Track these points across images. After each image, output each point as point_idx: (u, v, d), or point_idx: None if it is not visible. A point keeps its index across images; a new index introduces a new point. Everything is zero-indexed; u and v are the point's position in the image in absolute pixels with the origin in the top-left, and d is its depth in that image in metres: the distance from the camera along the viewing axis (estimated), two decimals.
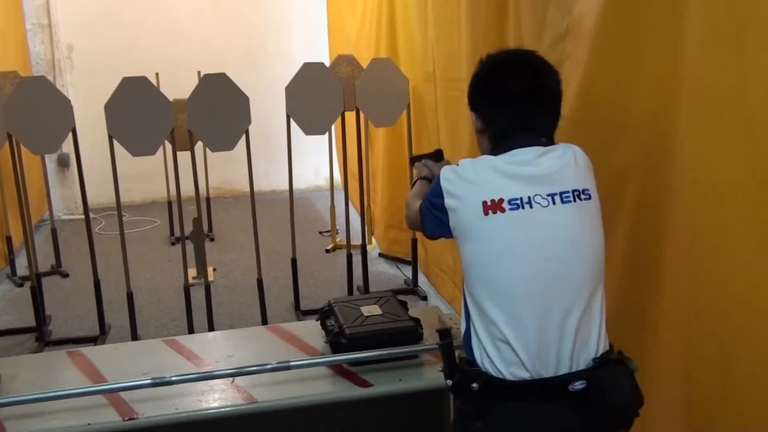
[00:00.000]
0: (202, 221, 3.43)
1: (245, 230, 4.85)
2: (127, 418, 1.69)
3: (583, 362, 1.38)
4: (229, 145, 3.22)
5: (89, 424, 1.67)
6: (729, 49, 1.36)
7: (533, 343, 1.36)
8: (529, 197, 1.38)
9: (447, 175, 1.46)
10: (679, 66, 1.54)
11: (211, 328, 3.35)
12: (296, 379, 1.84)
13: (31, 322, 3.47)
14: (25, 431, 1.66)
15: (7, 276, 4.33)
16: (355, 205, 4.72)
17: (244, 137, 3.23)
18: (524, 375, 1.37)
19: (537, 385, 1.36)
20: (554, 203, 1.38)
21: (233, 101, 3.16)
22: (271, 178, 6.06)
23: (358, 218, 4.12)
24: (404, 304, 2.08)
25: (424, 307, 3.54)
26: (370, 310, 2.02)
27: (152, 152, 3.14)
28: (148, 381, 1.73)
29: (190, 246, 3.46)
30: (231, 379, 1.84)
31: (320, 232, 5.12)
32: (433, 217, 1.49)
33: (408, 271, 4.04)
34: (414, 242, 3.93)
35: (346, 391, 1.82)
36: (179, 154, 3.32)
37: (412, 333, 1.94)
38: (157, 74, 4.26)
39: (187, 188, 3.30)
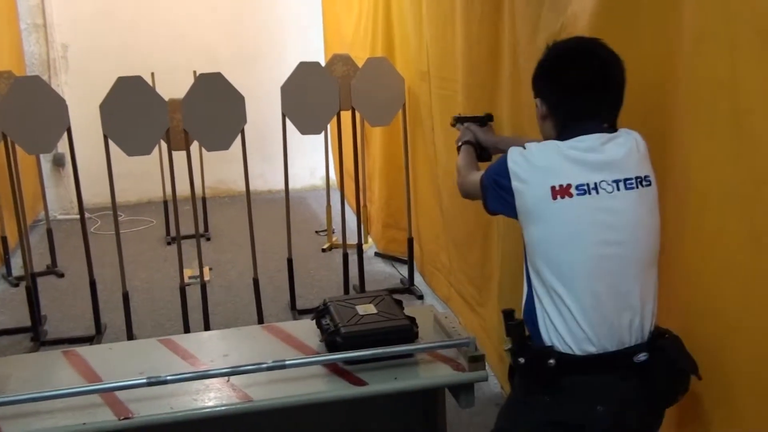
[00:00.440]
0: (198, 221, 3.43)
1: (241, 230, 4.84)
2: (122, 418, 1.69)
3: (642, 335, 1.48)
4: (225, 145, 3.22)
5: (84, 423, 1.67)
6: (721, 49, 1.37)
7: (598, 320, 1.44)
8: (595, 183, 1.45)
9: (515, 158, 1.51)
10: (672, 65, 1.55)
11: (207, 328, 3.35)
12: (291, 378, 1.84)
13: (27, 322, 3.47)
14: (21, 431, 1.66)
15: (3, 276, 4.32)
16: (351, 204, 4.72)
17: (239, 137, 3.23)
18: (591, 349, 1.45)
19: (604, 359, 1.45)
20: (618, 189, 1.45)
21: (229, 101, 3.16)
22: (267, 178, 6.05)
23: (354, 217, 4.12)
24: (399, 303, 2.09)
25: (419, 306, 3.55)
26: (366, 309, 2.02)
27: (148, 152, 3.13)
28: (144, 380, 1.73)
29: (185, 246, 3.46)
30: (226, 378, 1.84)
31: (316, 232, 5.12)
32: (497, 195, 1.56)
33: (404, 270, 4.05)
34: (410, 241, 3.93)
35: (341, 390, 1.82)
36: (175, 153, 3.32)
37: (407, 332, 1.94)
38: (152, 74, 4.26)
39: (183, 188, 3.30)
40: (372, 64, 3.65)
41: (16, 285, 4.18)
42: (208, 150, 3.28)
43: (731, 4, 1.34)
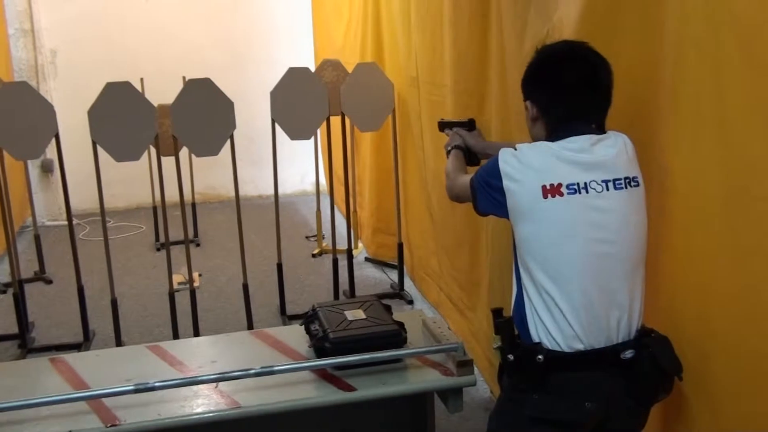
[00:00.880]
0: (187, 227, 3.42)
1: (231, 235, 4.83)
2: (109, 425, 1.68)
3: (629, 333, 1.51)
4: (214, 150, 3.22)
5: (71, 431, 1.66)
6: (705, 55, 1.39)
7: (586, 317, 1.47)
8: (585, 182, 1.48)
9: (506, 159, 1.54)
10: (656, 72, 1.57)
11: (196, 334, 3.34)
12: (280, 384, 1.84)
13: (14, 329, 3.44)
14: None
15: None
16: (340, 209, 4.73)
17: (229, 142, 3.23)
18: (579, 346, 1.48)
19: (591, 356, 1.48)
20: (608, 189, 1.48)
21: (218, 106, 3.15)
22: (256, 183, 6.04)
23: (344, 223, 4.12)
24: (388, 308, 2.09)
25: (408, 311, 3.55)
26: (355, 314, 2.03)
27: (137, 158, 3.12)
28: (131, 387, 1.72)
29: (175, 252, 3.45)
30: (215, 384, 1.84)
31: (306, 237, 5.12)
32: (487, 196, 1.58)
33: (394, 275, 4.05)
34: (400, 246, 3.94)
35: (330, 395, 1.83)
36: (164, 159, 3.31)
37: (395, 337, 1.94)
38: (141, 79, 4.25)
39: (172, 194, 3.29)
40: (361, 69, 3.66)
41: (4, 291, 4.15)
42: (198, 155, 3.27)
43: (714, 11, 1.35)
